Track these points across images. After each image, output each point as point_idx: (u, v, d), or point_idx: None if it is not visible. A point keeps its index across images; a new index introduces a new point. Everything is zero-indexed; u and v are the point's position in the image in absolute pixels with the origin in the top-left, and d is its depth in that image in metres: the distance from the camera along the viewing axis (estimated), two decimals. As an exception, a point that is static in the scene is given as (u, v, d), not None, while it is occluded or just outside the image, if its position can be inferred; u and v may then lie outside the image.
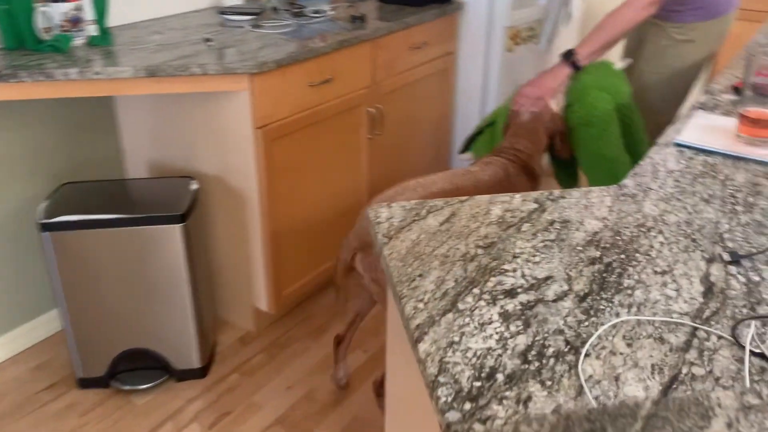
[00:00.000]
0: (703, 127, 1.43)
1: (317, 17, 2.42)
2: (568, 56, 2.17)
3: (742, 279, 0.91)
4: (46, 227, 1.87)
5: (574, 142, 2.20)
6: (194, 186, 2.06)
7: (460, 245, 0.98)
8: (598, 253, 0.97)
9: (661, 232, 1.03)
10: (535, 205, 1.11)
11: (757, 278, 0.92)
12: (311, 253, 2.37)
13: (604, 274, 0.92)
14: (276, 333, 2.38)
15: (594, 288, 0.89)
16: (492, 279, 0.90)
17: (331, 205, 2.39)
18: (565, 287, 0.89)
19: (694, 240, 1.01)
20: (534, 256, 0.96)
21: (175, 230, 1.93)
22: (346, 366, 2.13)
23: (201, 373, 2.15)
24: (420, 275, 0.91)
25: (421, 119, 2.74)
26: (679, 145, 1.35)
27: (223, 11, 2.37)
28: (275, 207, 2.14)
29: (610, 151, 2.19)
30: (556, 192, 1.15)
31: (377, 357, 2.27)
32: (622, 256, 0.97)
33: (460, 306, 0.85)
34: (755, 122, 1.34)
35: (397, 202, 1.10)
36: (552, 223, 1.05)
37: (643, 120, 2.22)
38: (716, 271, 0.93)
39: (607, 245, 0.99)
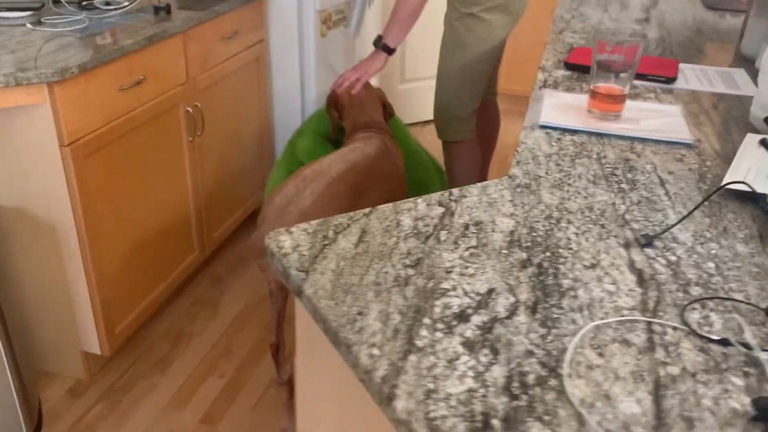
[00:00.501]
0: (557, 105, 1.46)
1: (112, 9, 2.11)
2: (378, 42, 2.25)
3: (662, 261, 0.92)
4: None
5: None
6: (-11, 222, 1.70)
7: (387, 267, 0.88)
8: (524, 255, 0.92)
9: (570, 222, 1.02)
10: (442, 209, 1.03)
11: (674, 258, 0.93)
12: (142, 278, 2.10)
13: (541, 278, 0.88)
14: (112, 376, 2.09)
15: (539, 295, 0.84)
16: (437, 303, 0.81)
17: (157, 220, 2.13)
18: (512, 299, 0.83)
19: (603, 226, 1.01)
20: (466, 267, 0.89)
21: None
22: (289, 370, 1.92)
23: (28, 437, 1.82)
24: (359, 313, 0.79)
25: (241, 114, 2.55)
26: (543, 126, 1.36)
27: (-11, 7, 1.97)
28: (96, 233, 1.85)
29: (414, 145, 2.28)
30: (455, 191, 1.09)
31: (236, 380, 2.09)
32: (548, 253, 0.93)
33: (418, 343, 0.75)
34: (605, 97, 1.40)
35: (299, 219, 0.97)
36: (467, 227, 0.98)
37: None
38: (637, 257, 0.93)
39: (528, 244, 0.95)
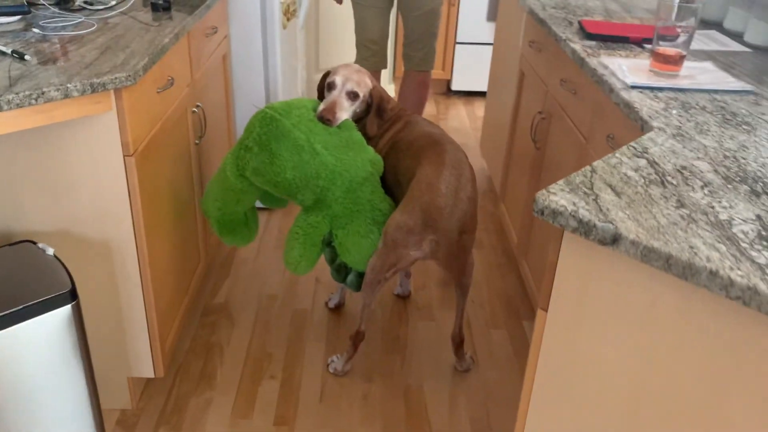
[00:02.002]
0: (626, 68, 1.64)
1: (102, 8, 1.94)
2: None
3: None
4: None
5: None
6: (50, 251, 1.52)
7: (665, 210, 1.00)
8: (746, 186, 1.09)
9: (744, 156, 1.20)
10: (644, 160, 1.17)
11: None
12: (174, 292, 1.98)
13: (775, 201, 1.05)
14: (158, 400, 1.96)
15: (791, 214, 1.01)
16: (734, 232, 0.95)
17: (179, 230, 2.02)
18: (777, 220, 0.99)
19: None
20: (720, 202, 1.03)
21: (66, 314, 1.43)
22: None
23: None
24: (691, 247, 0.91)
25: (218, 113, 2.45)
26: (634, 86, 1.53)
27: (-29, 13, 1.73)
28: (153, 249, 1.73)
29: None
30: (634, 145, 1.23)
31: (289, 379, 2.05)
32: (760, 183, 1.10)
33: (756, 257, 0.88)
34: (668, 57, 1.61)
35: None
36: (680, 171, 1.13)
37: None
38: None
39: (739, 177, 1.12)
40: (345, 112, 1.90)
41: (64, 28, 1.75)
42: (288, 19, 2.67)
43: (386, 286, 2.44)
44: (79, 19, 1.83)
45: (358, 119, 1.98)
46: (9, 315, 1.34)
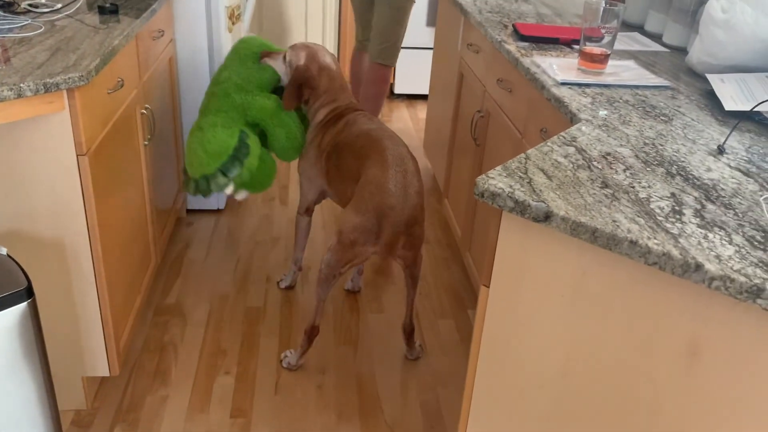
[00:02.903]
0: (558, 67, 1.76)
1: (47, 11, 1.95)
2: None
3: (735, 156, 1.28)
4: None
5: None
6: (3, 250, 1.53)
7: (591, 190, 1.11)
8: (663, 168, 1.21)
9: (662, 144, 1.33)
10: (572, 148, 1.28)
11: (742, 152, 1.29)
12: (128, 291, 2.01)
13: (686, 178, 1.17)
14: (114, 398, 1.97)
15: (697, 193, 1.13)
16: (652, 208, 1.07)
17: (131, 230, 2.04)
18: (687, 196, 1.11)
19: (687, 141, 1.34)
20: (639, 182, 1.15)
21: (21, 312, 1.44)
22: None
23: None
24: (614, 221, 1.01)
25: (165, 116, 2.48)
26: (564, 83, 1.66)
27: None
28: (106, 247, 1.75)
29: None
30: (564, 135, 1.34)
31: (243, 374, 2.10)
32: (674, 166, 1.23)
33: (669, 228, 1.00)
34: (594, 56, 1.74)
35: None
36: (605, 156, 1.25)
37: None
38: (721, 156, 1.27)
39: (657, 161, 1.24)
40: (274, 64, 2.20)
41: (10, 30, 1.76)
42: (233, 23, 2.72)
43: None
44: (26, 22, 1.84)
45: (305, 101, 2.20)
46: (-35, 313, 1.35)
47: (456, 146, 2.73)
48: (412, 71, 4.47)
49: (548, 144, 1.28)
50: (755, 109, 1.48)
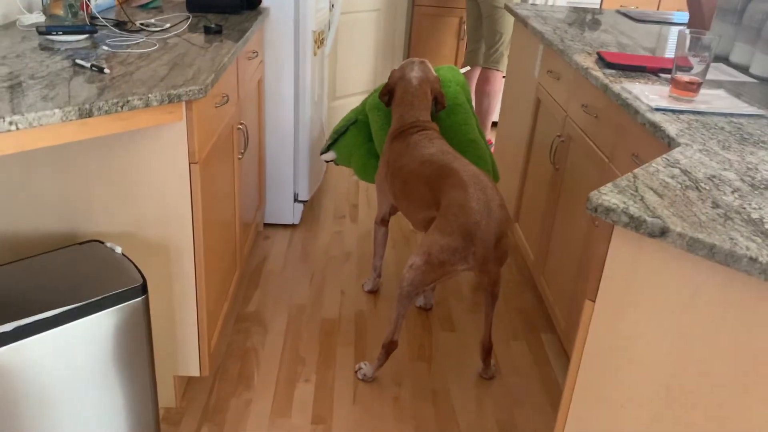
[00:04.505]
0: (650, 93, 1.80)
1: (158, 30, 2.09)
2: None
3: None
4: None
5: (441, 130, 2.42)
6: (118, 249, 1.64)
7: (703, 209, 1.14)
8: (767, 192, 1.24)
9: (760, 167, 1.35)
10: (677, 170, 1.31)
11: None
12: (217, 297, 2.09)
13: (796, 205, 1.19)
14: (200, 399, 2.05)
15: (812, 215, 1.15)
16: None
17: (225, 239, 2.14)
18: (800, 219, 1.13)
19: (784, 171, 1.35)
20: (750, 204, 1.18)
21: (138, 306, 1.54)
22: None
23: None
24: (731, 238, 1.04)
25: (255, 130, 2.59)
26: (658, 109, 1.69)
27: (44, 31, 1.87)
28: (207, 251, 1.85)
29: (474, 134, 2.48)
30: (667, 157, 1.37)
31: (323, 382, 2.16)
32: (777, 191, 1.25)
33: (792, 250, 1.02)
34: (687, 84, 1.77)
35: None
36: (710, 179, 1.27)
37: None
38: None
39: (763, 186, 1.26)
40: None
41: (129, 46, 1.89)
42: (318, 47, 2.83)
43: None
44: (141, 39, 1.97)
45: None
46: (87, 305, 1.45)
47: (530, 171, 2.76)
48: (478, 98, 4.53)
49: (653, 165, 1.32)
50: None
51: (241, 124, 2.24)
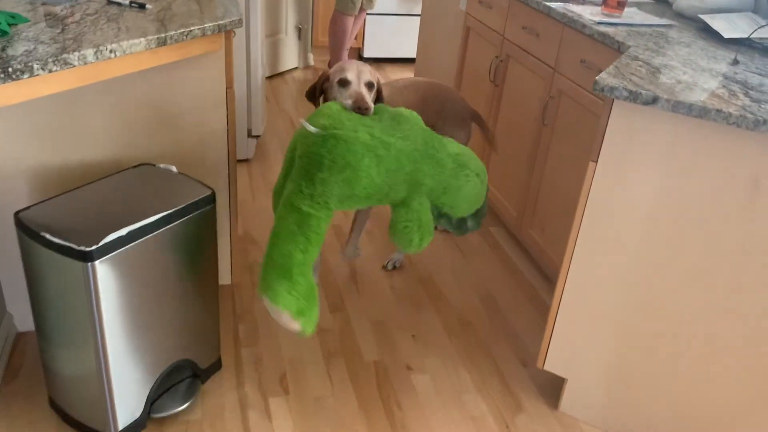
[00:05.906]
0: (586, 12, 2.24)
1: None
2: None
3: (745, 68, 1.80)
4: (88, 256, 1.49)
5: None
6: (174, 169, 1.84)
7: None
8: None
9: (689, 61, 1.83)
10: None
11: (752, 66, 1.82)
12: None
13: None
14: (227, 305, 2.30)
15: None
16: (717, 92, 1.57)
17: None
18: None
19: (703, 66, 1.85)
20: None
21: (210, 211, 1.77)
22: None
23: (219, 363, 2.02)
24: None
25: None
26: (601, 23, 2.14)
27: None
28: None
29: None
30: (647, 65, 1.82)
31: (326, 281, 2.47)
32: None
33: (739, 104, 1.50)
34: (616, 4, 2.23)
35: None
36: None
37: None
38: (735, 67, 1.80)
39: (696, 70, 1.74)
40: (370, 100, 1.88)
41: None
42: None
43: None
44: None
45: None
46: (174, 212, 1.66)
47: (463, 93, 3.17)
48: (379, 36, 4.86)
49: (623, 60, 1.75)
50: (751, 36, 2.03)
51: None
